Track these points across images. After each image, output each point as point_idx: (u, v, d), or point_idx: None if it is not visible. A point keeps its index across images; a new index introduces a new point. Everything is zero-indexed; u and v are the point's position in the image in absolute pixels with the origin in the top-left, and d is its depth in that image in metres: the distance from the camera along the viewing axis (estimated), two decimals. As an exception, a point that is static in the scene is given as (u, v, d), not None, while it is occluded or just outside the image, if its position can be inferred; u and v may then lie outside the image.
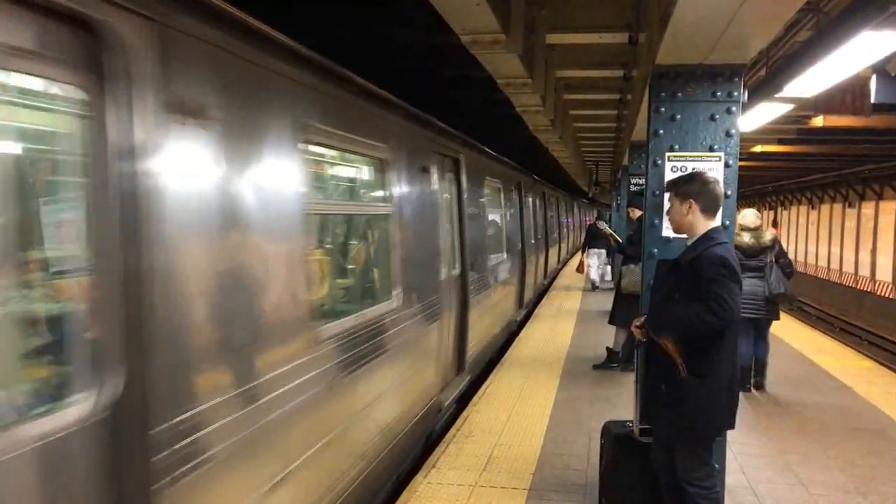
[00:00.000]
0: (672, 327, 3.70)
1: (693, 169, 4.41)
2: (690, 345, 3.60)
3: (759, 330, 7.88)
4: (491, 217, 10.41)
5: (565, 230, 26.90)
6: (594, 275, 17.33)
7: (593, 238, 16.77)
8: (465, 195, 8.01)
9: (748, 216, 7.72)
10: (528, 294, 14.14)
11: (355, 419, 4.45)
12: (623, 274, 8.64)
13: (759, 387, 7.93)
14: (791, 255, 31.20)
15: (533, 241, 15.20)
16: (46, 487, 2.12)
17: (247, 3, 3.35)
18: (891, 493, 5.18)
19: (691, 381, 3.61)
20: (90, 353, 2.32)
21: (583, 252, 17.88)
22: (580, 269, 17.32)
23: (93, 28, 2.21)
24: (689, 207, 3.75)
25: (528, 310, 13.96)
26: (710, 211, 3.77)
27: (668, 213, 3.98)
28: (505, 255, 11.09)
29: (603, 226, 11.80)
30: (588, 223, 22.02)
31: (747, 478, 5.37)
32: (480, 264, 8.82)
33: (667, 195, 4.08)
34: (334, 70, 4.22)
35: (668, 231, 4.54)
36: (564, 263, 25.50)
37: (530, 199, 15.37)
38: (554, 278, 20.80)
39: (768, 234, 7.74)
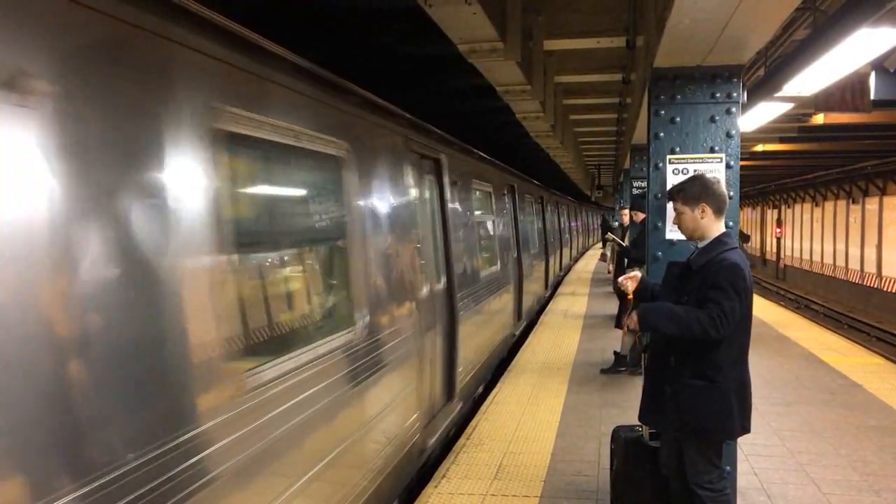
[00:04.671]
0: (668, 323, 3.56)
1: (695, 171, 4.41)
2: (696, 349, 3.59)
3: None
4: (481, 224, 9.35)
5: (567, 235, 25.13)
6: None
7: (607, 230, 21.80)
8: (448, 200, 6.96)
9: None
10: (527, 304, 12.96)
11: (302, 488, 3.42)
12: (628, 277, 8.63)
13: None
14: (796, 254, 31.34)
15: (531, 249, 14.01)
16: None
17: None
18: (904, 491, 5.15)
19: (696, 384, 3.60)
20: None
21: (602, 243, 23.55)
22: (603, 258, 22.37)
23: None
24: (703, 211, 3.69)
25: (527, 321, 12.85)
26: (720, 211, 3.72)
27: (678, 220, 3.82)
28: (499, 265, 9.95)
29: (609, 235, 12.04)
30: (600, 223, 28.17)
31: (759, 479, 5.34)
32: (470, 276, 7.87)
33: (671, 204, 3.93)
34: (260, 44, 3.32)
35: (671, 234, 4.54)
36: (568, 270, 24.47)
37: (526, 204, 14.17)
38: (557, 285, 19.74)
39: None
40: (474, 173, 8.83)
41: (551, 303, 16.12)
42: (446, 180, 6.90)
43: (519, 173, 13.93)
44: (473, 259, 8.18)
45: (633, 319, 3.71)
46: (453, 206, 7.18)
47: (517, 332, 11.49)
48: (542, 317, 13.93)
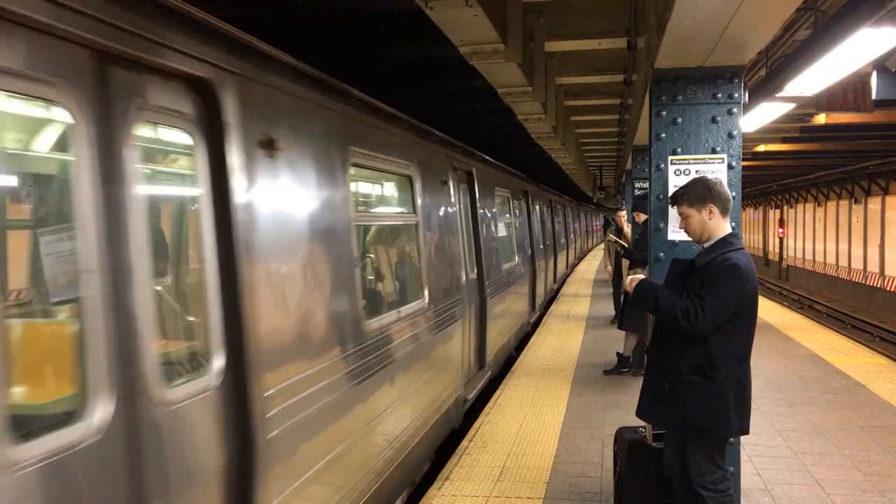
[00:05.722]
0: (654, 301, 3.73)
1: (697, 172, 4.41)
2: (693, 345, 3.60)
3: None
4: (389, 234, 6.10)
5: (563, 239, 21.47)
6: None
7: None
8: (249, 190, 3.15)
9: None
10: (497, 343, 9.26)
11: None
12: (630, 278, 8.61)
13: None
14: (798, 254, 31.25)
15: (504, 263, 10.26)
16: None
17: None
18: (908, 491, 5.14)
19: (695, 380, 3.61)
20: None
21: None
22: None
23: None
24: (710, 212, 3.71)
25: (496, 369, 9.29)
26: (726, 212, 3.75)
27: (685, 224, 3.81)
28: (429, 297, 6.02)
29: (611, 237, 11.86)
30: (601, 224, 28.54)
31: (763, 479, 5.34)
32: (348, 335, 4.14)
33: (675, 209, 3.93)
34: None
35: (673, 234, 4.54)
36: (563, 280, 21.33)
37: (498, 200, 10.42)
38: (550, 302, 16.51)
39: None
40: (366, 140, 4.76)
41: (553, 304, 16.09)
42: (242, 146, 3.09)
43: (485, 157, 9.94)
44: (373, 296, 4.91)
45: (630, 285, 3.90)
46: (293, 201, 3.64)
47: (471, 396, 7.56)
48: (544, 318, 13.91)
